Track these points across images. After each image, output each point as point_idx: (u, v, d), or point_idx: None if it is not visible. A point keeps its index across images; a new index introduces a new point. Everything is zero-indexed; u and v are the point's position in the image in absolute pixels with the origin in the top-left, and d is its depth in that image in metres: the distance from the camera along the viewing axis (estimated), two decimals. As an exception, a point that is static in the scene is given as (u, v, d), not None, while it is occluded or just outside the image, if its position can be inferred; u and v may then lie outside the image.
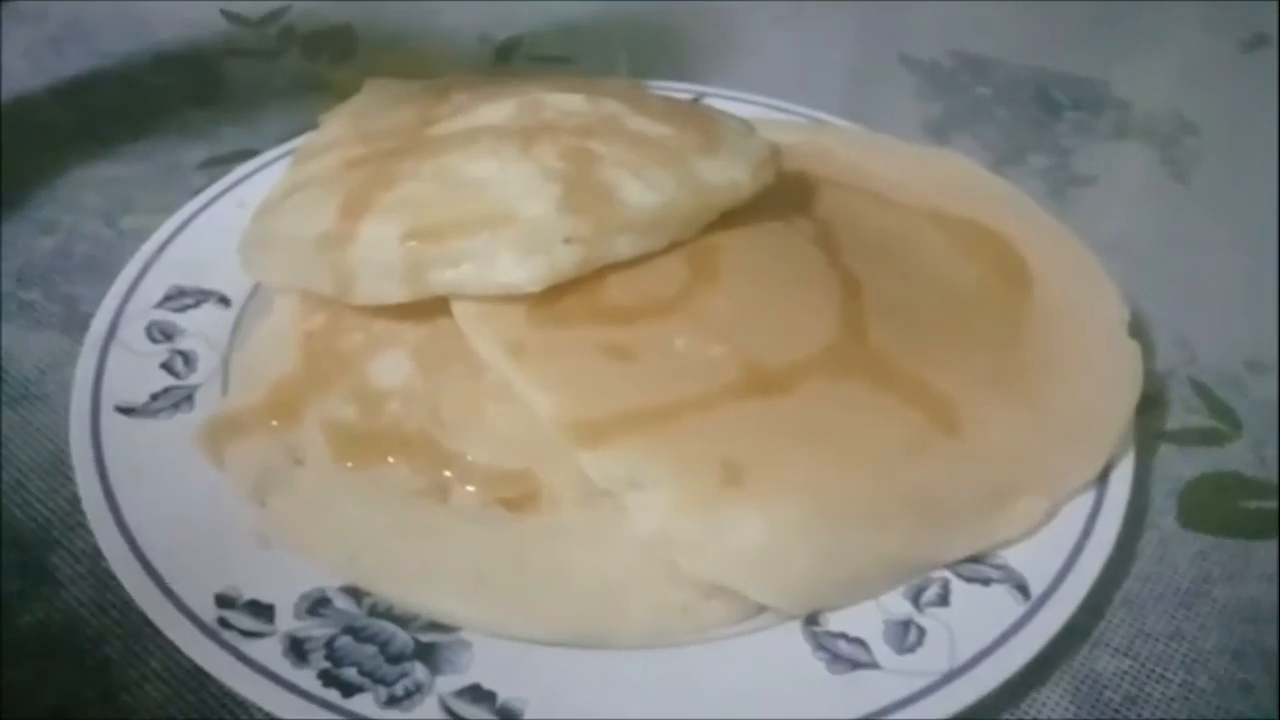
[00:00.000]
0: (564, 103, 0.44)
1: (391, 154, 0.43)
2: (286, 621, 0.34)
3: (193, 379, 0.42)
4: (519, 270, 0.38)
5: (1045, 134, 0.63)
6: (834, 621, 0.35)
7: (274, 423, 0.39)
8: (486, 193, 0.39)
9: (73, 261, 0.50)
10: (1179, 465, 0.45)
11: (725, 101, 0.57)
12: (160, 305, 0.44)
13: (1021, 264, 0.45)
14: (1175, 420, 0.46)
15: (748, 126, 0.47)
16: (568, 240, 0.38)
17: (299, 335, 0.41)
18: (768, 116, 0.56)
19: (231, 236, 0.45)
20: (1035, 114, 0.65)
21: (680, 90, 0.57)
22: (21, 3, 0.69)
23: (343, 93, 0.59)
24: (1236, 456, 0.45)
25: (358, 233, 0.39)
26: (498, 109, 0.44)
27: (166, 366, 0.42)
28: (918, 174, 0.50)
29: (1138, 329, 0.44)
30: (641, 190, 0.40)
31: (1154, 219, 0.58)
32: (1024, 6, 0.76)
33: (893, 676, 0.34)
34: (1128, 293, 0.46)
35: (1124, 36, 0.74)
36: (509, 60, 0.66)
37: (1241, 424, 0.46)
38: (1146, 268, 0.54)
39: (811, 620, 0.35)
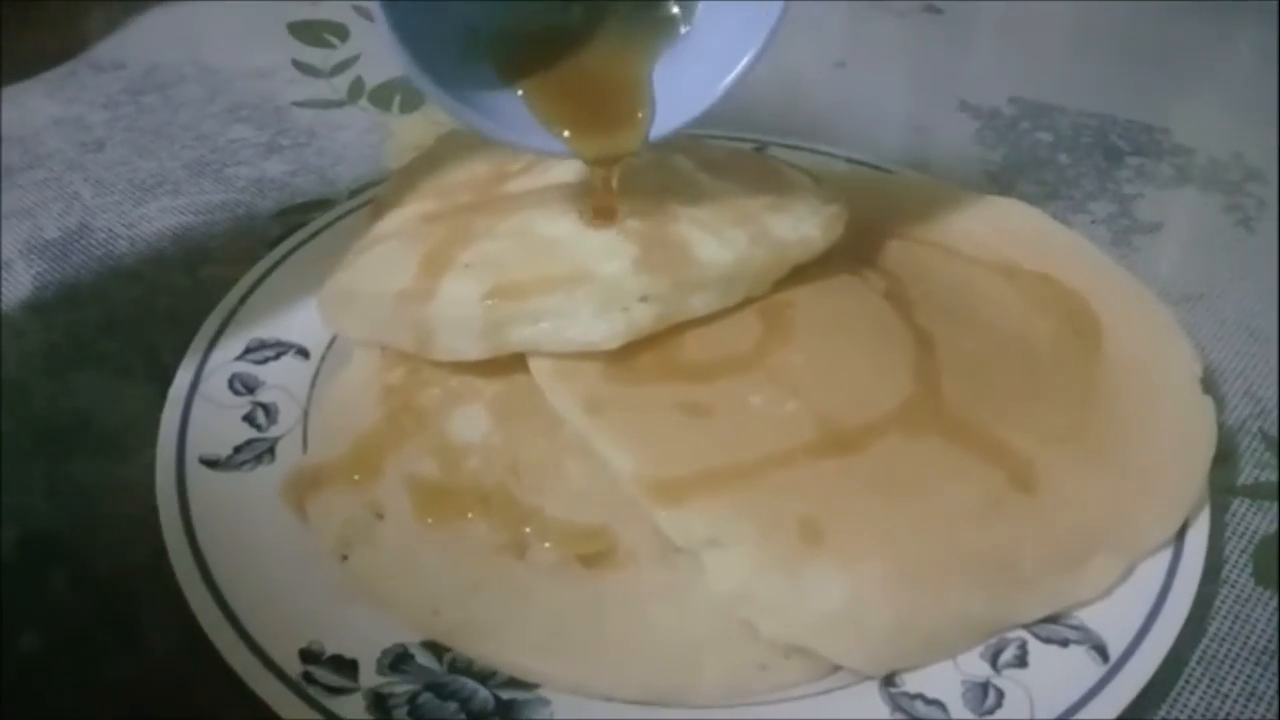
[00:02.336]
0: (636, 159, 0.45)
1: (468, 210, 0.44)
2: (370, 677, 0.35)
3: (274, 431, 0.43)
4: (596, 328, 0.39)
5: (1107, 181, 0.63)
6: (911, 682, 0.35)
7: (356, 477, 0.39)
8: (563, 251, 0.40)
9: (154, 312, 0.51)
10: (1252, 521, 0.44)
11: (787, 151, 0.57)
12: (241, 358, 0.45)
13: (1093, 318, 0.45)
14: (1247, 475, 0.46)
15: (815, 179, 0.47)
16: (644, 298, 0.39)
17: (379, 389, 0.42)
18: (831, 166, 0.56)
19: (310, 289, 0.46)
20: (1097, 160, 0.65)
21: (743, 140, 0.58)
22: (99, 54, 0.71)
23: (411, 142, 0.61)
24: (1312, 513, 0.45)
25: (438, 290, 0.40)
26: (572, 166, 0.44)
27: (248, 419, 0.43)
28: (986, 226, 0.50)
29: (1206, 381, 0.44)
30: (715, 247, 0.41)
31: (1219, 267, 0.57)
32: (1083, 52, 0.76)
33: (972, 739, 0.34)
34: (1194, 343, 0.46)
35: (1183, 82, 0.74)
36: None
37: (1315, 479, 0.46)
38: (1213, 317, 0.54)
39: (889, 681, 0.35)
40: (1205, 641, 0.40)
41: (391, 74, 0.69)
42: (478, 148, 0.50)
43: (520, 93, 0.39)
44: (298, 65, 0.70)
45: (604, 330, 0.39)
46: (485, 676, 0.35)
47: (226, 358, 0.45)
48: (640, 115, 0.40)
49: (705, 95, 0.39)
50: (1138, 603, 0.37)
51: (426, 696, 0.34)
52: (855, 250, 0.46)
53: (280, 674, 0.34)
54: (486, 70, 0.39)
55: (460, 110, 0.37)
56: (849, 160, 0.58)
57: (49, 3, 0.72)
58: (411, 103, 0.67)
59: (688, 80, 0.40)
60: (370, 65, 0.70)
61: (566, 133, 0.39)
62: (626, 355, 0.39)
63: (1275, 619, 0.41)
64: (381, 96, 0.67)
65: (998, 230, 0.50)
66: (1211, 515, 0.40)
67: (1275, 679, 0.39)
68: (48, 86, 0.68)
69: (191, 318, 0.47)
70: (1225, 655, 0.39)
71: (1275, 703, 0.38)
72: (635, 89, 0.40)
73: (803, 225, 0.43)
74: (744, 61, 0.39)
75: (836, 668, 0.36)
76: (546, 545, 0.38)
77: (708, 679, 0.35)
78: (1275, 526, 0.44)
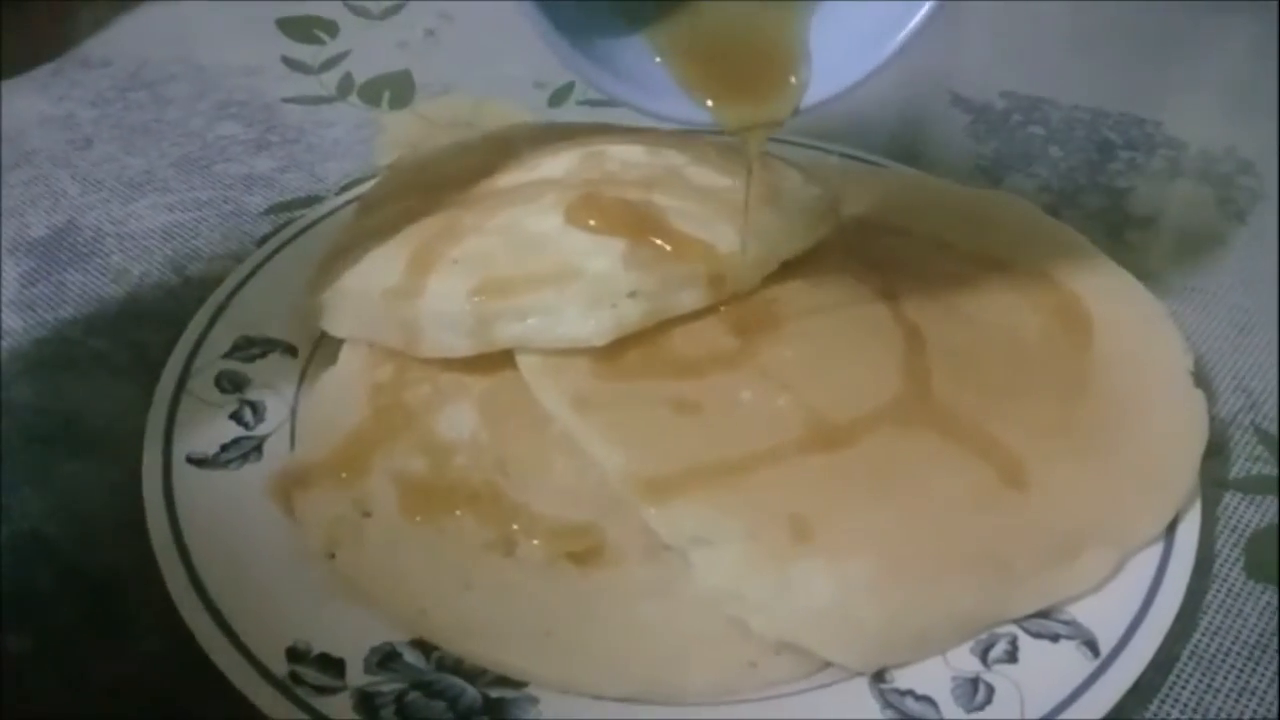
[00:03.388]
0: (625, 154, 0.44)
1: (456, 206, 0.44)
2: (357, 676, 0.34)
3: (261, 429, 0.42)
4: (584, 324, 0.39)
5: (1100, 174, 0.63)
6: (902, 678, 0.35)
7: (343, 475, 0.39)
8: (552, 247, 0.40)
9: (142, 310, 0.51)
10: (1245, 514, 0.44)
11: (779, 146, 0.57)
12: (228, 355, 0.45)
13: (1084, 312, 0.45)
14: (1239, 468, 0.46)
15: (805, 174, 0.47)
16: (632, 294, 0.39)
17: (367, 387, 0.42)
18: (822, 161, 0.56)
19: (298, 286, 0.46)
20: (1089, 154, 0.65)
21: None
22: (88, 51, 0.71)
23: (400, 138, 0.61)
24: (1303, 506, 0.44)
25: (425, 287, 0.40)
26: (560, 162, 0.44)
27: (236, 417, 0.43)
28: (977, 220, 0.50)
29: (1198, 374, 0.44)
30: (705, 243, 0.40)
31: (1211, 260, 0.57)
32: (1075, 46, 0.76)
33: (962, 736, 0.34)
34: (1186, 336, 0.46)
35: (1175, 75, 0.73)
36: (562, 105, 0.67)
37: (1308, 473, 0.46)
38: (1205, 310, 0.53)
39: (879, 677, 0.35)
40: (1197, 636, 0.40)
41: (381, 70, 0.69)
42: (467, 144, 0.50)
43: (659, 57, 0.35)
44: (287, 61, 0.70)
45: (592, 326, 0.39)
46: (473, 675, 0.35)
47: (214, 355, 0.45)
48: (793, 79, 0.35)
49: (870, 56, 0.34)
50: (1129, 597, 0.37)
51: (414, 695, 0.34)
52: (845, 245, 0.45)
53: (266, 673, 0.34)
54: (623, 30, 0.35)
55: (597, 74, 0.34)
56: (840, 154, 0.58)
57: (38, 1, 0.72)
58: (401, 99, 0.67)
59: (850, 38, 0.34)
60: (360, 61, 0.70)
61: (710, 99, 0.35)
62: (615, 352, 0.39)
63: (1267, 613, 0.40)
64: (371, 92, 0.67)
65: (989, 224, 0.50)
66: (1203, 509, 0.40)
67: (1268, 674, 0.39)
68: (36, 84, 0.67)
69: (179, 315, 0.47)
70: (1217, 650, 0.39)
71: (1268, 698, 0.38)
72: (788, 48, 0.35)
73: (793, 220, 0.43)
74: (921, 13, 0.33)
75: (826, 664, 0.35)
76: (535, 543, 0.37)
77: (697, 676, 0.35)
78: (1268, 520, 0.44)
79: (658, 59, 0.35)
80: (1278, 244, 0.58)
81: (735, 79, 0.36)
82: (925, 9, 0.33)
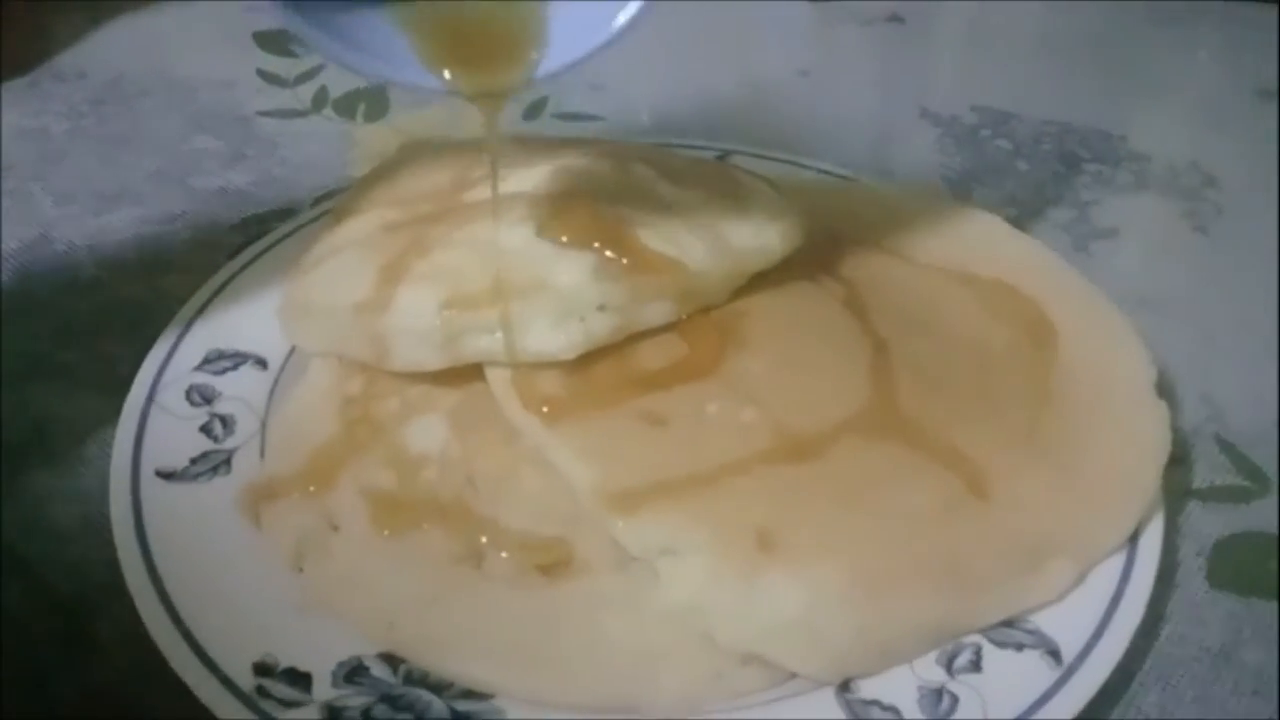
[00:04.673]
0: (596, 168, 0.45)
1: (427, 219, 0.44)
2: (324, 690, 0.34)
3: (230, 442, 0.42)
4: (553, 338, 0.39)
5: (1066, 187, 0.64)
6: (867, 688, 0.35)
7: (311, 488, 0.39)
8: (521, 261, 0.40)
9: (112, 322, 0.51)
10: (1207, 524, 0.44)
11: (750, 160, 0.57)
12: (199, 368, 0.45)
13: (1048, 323, 0.46)
14: (1202, 478, 0.46)
15: (774, 187, 0.48)
16: (601, 307, 0.39)
17: (336, 400, 0.42)
18: (792, 174, 0.56)
19: (269, 299, 0.46)
20: (1055, 167, 0.66)
21: (705, 149, 0.58)
22: (62, 64, 0.70)
23: (375, 151, 0.61)
24: (1265, 515, 0.45)
25: (394, 301, 0.40)
26: (530, 175, 0.44)
27: (205, 430, 0.43)
28: (945, 233, 0.51)
29: (1161, 385, 0.44)
30: (674, 256, 0.41)
31: (1175, 272, 0.58)
32: (1043, 60, 0.77)
33: (926, 745, 0.34)
34: (1150, 347, 0.46)
35: (1142, 89, 0.74)
36: (536, 118, 0.67)
37: (1269, 482, 0.46)
38: (1169, 322, 0.54)
39: (845, 687, 0.35)
40: (1159, 645, 0.40)
41: (356, 84, 0.69)
42: (439, 157, 0.50)
43: (402, 33, 0.36)
44: (262, 75, 0.70)
45: (561, 340, 0.39)
46: (440, 688, 0.35)
47: (184, 368, 0.45)
48: (532, 49, 0.36)
49: (602, 30, 0.35)
50: (1092, 606, 0.37)
51: (381, 709, 0.34)
52: (814, 258, 0.46)
53: (233, 687, 0.34)
54: (367, 7, 0.36)
55: (319, 39, 0.34)
56: (810, 168, 0.58)
57: (11, 13, 0.72)
58: (375, 112, 0.67)
59: (585, 13, 0.35)
60: (335, 75, 0.70)
61: (448, 67, 0.36)
62: (584, 365, 0.39)
63: (1230, 622, 0.41)
64: (346, 106, 0.67)
65: (956, 237, 0.51)
66: (1166, 519, 0.40)
67: (1230, 682, 0.39)
68: (10, 96, 0.67)
69: (151, 328, 0.47)
70: (1179, 658, 0.40)
71: (1230, 705, 0.38)
72: (528, 19, 0.36)
73: (762, 234, 0.43)
74: None
75: (793, 675, 0.36)
76: (503, 555, 0.38)
77: (664, 688, 0.35)
78: (1230, 530, 0.44)
79: (401, 36, 0.36)
80: (1278, 253, 0.58)
81: (474, 55, 0.37)
82: None
